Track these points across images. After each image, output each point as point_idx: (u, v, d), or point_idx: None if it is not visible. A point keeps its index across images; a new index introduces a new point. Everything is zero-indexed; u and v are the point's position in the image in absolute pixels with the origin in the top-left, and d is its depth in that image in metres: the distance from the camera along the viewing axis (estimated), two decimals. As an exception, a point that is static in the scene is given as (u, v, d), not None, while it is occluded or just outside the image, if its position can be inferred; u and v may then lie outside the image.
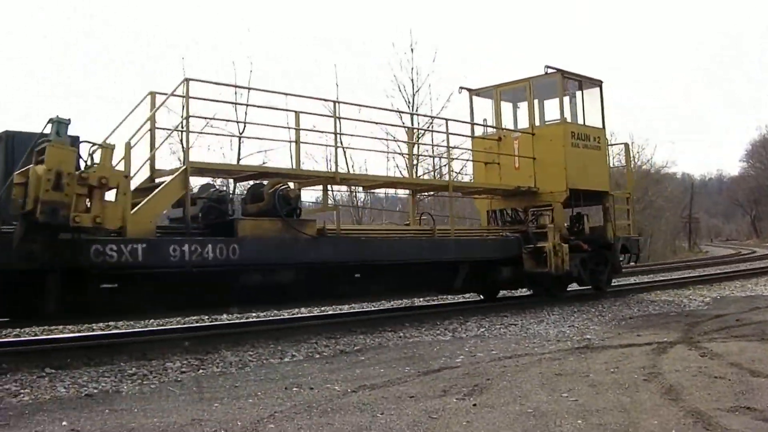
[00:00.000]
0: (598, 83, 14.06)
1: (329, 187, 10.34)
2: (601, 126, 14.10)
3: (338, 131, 10.07)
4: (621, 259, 14.22)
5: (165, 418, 4.79)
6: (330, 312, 12.00)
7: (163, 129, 9.37)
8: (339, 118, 10.36)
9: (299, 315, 11.56)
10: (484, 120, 14.21)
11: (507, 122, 14.19)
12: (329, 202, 10.49)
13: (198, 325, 10.39)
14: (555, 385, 5.56)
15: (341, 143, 10.71)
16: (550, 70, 13.06)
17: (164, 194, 8.16)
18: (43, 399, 5.55)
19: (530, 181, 13.22)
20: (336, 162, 10.18)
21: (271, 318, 11.14)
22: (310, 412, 4.94)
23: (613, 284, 14.79)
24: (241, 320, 10.87)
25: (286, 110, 10.30)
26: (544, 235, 12.24)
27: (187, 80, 8.48)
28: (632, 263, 15.62)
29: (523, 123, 13.85)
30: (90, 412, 5.02)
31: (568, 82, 13.45)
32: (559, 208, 13.09)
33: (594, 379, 5.70)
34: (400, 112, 17.50)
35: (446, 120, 13.04)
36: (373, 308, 12.48)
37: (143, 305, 8.36)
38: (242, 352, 7.76)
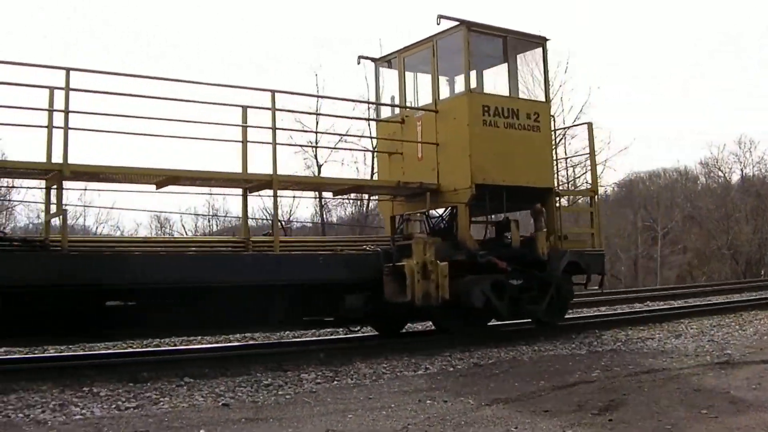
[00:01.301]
0: (538, 42, 10.42)
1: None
2: (543, 99, 10.36)
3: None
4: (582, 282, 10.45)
5: (300, 429, 4.97)
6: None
7: None
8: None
9: (429, 328, 11.26)
10: (392, 99, 10.87)
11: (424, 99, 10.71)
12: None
13: (333, 337, 10.54)
14: (693, 401, 5.54)
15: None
16: (448, 22, 9.56)
17: None
18: (181, 407, 5.72)
19: (433, 175, 9.77)
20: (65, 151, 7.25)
21: (405, 331, 11.07)
22: (444, 424, 5.03)
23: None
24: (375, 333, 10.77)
25: None
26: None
27: None
28: (600, 288, 11.53)
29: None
30: (226, 422, 5.19)
31: (482, 39, 9.87)
32: (464, 211, 9.56)
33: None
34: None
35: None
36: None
37: None
38: (376, 364, 7.84)
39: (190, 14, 54.94)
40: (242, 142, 8.64)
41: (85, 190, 14.12)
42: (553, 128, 10.60)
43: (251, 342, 10.15)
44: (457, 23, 9.67)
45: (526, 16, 63.85)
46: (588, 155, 11.12)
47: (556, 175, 10.66)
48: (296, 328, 10.09)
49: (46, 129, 7.35)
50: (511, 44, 10.24)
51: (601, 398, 5.72)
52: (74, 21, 50.36)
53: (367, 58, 11.10)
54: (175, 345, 9.76)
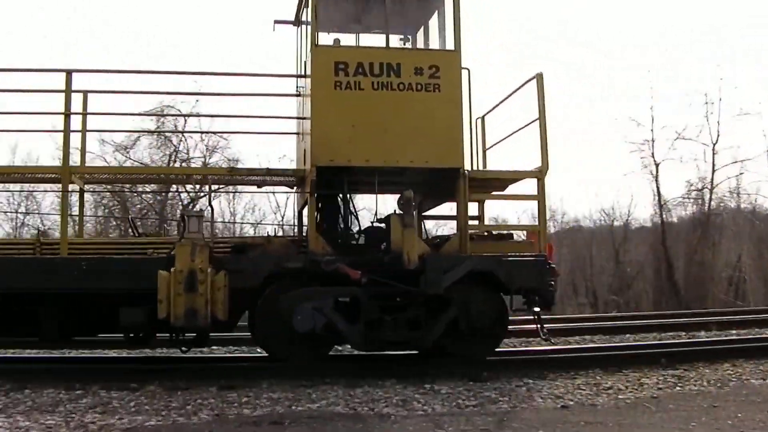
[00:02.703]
0: None
1: None
2: (451, 47, 7.67)
3: None
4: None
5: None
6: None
7: None
8: None
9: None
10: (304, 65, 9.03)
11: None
12: None
13: (675, 341, 9.98)
14: None
15: None
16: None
17: None
18: (520, 408, 5.78)
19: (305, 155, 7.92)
20: None
21: (751, 336, 10.40)
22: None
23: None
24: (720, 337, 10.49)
25: None
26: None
27: None
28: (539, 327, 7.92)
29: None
30: (564, 424, 5.17)
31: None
32: (309, 202, 7.43)
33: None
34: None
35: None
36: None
37: None
38: (721, 370, 7.42)
39: (190, 14, 54.97)
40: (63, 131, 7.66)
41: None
42: (467, 85, 7.67)
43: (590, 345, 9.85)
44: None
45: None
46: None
47: (470, 150, 7.68)
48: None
49: None
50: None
51: None
52: (74, 21, 53.47)
53: (283, 22, 9.26)
54: (515, 346, 9.79)
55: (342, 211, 7.87)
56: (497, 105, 8.58)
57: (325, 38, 8.00)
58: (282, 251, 7.54)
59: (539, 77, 7.74)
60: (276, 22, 9.29)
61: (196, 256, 6.75)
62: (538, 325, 8.02)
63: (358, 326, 7.12)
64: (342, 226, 7.93)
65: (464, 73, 7.71)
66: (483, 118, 8.89)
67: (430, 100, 7.48)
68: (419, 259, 7.14)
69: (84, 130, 8.62)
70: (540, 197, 7.61)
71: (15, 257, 7.49)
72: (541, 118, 7.67)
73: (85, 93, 8.34)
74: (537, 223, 7.68)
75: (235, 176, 7.97)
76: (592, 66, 53.09)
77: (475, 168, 8.29)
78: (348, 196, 8.15)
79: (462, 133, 7.54)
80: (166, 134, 22.04)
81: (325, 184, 7.53)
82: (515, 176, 7.90)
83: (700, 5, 54.22)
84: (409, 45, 8.70)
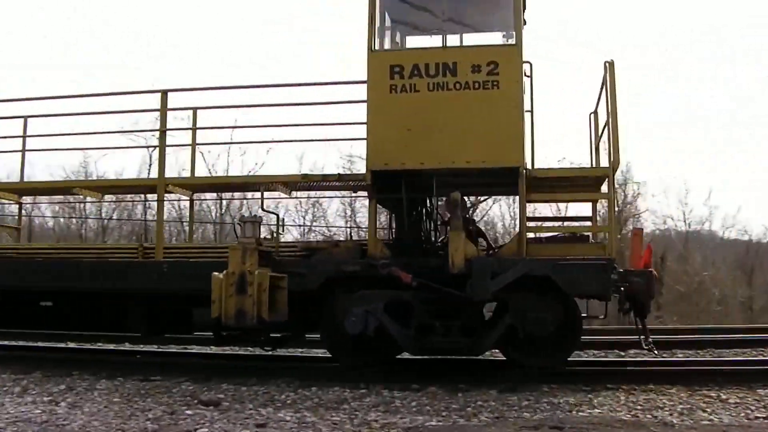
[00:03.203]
0: None
1: None
2: (508, 40, 7.47)
3: None
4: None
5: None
6: None
7: None
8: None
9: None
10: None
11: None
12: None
13: None
14: None
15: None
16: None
17: None
18: None
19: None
20: None
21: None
22: None
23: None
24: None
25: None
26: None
27: None
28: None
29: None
30: None
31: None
32: (370, 206, 7.63)
33: None
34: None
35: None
36: None
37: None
38: None
39: (190, 14, 51.43)
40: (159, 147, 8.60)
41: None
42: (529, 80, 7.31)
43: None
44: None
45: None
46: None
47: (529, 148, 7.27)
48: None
49: None
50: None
51: None
52: (74, 21, 51.92)
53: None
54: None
55: (408, 214, 7.82)
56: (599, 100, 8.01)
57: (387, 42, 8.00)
58: (343, 255, 7.71)
59: (609, 65, 7.16)
60: None
61: (247, 260, 7.13)
62: (642, 336, 7.50)
63: (411, 331, 7.10)
64: (409, 229, 7.90)
65: (526, 66, 7.35)
66: (596, 112, 8.38)
67: (488, 98, 7.24)
68: (465, 263, 6.93)
69: (193, 144, 9.42)
70: (609, 196, 7.02)
71: (107, 261, 8.41)
72: (613, 111, 7.08)
73: (195, 110, 9.16)
74: (607, 224, 7.10)
75: (309, 182, 8.25)
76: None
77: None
78: (428, 199, 8.14)
79: (522, 131, 7.19)
80: None
81: (390, 188, 7.58)
82: (583, 173, 7.37)
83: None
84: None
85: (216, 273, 7.16)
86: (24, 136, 9.14)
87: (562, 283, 6.82)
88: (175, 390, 6.77)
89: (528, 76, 7.91)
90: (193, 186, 8.78)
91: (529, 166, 7.29)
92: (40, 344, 10.32)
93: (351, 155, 20.10)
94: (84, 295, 8.26)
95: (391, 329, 7.10)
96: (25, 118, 9.18)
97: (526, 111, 8.70)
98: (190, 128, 9.13)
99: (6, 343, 10.33)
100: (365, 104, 7.51)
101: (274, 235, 7.98)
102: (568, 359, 7.74)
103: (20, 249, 9.09)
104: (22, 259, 8.71)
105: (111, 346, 9.93)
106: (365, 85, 7.52)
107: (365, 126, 7.50)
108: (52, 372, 7.64)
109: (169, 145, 8.59)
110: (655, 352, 8.22)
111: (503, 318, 7.01)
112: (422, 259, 7.26)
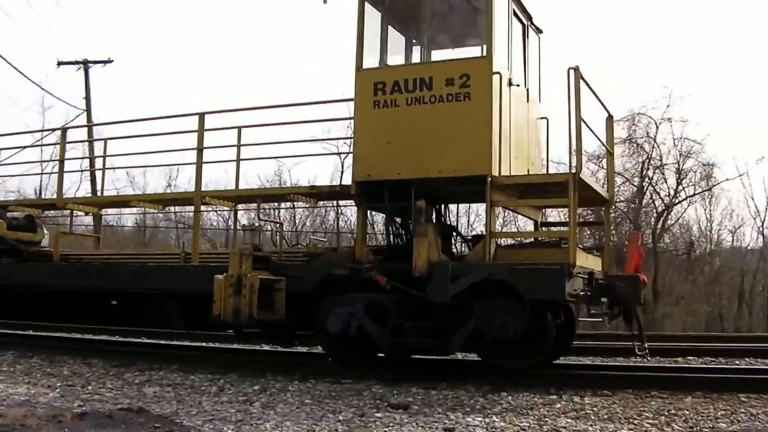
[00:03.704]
0: None
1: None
2: (480, 54, 7.88)
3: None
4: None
5: None
6: None
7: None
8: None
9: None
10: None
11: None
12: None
13: None
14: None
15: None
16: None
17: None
18: None
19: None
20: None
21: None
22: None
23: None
24: None
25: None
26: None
27: None
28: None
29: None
30: None
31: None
32: (358, 214, 8.34)
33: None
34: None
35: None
36: None
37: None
38: None
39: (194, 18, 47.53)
40: (196, 163, 9.81)
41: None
42: (498, 90, 7.54)
43: None
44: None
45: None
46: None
47: (498, 158, 7.46)
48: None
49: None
50: None
51: None
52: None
53: None
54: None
55: (391, 222, 8.34)
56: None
57: (372, 61, 8.49)
58: (338, 259, 8.38)
59: (575, 71, 7.24)
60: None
61: (243, 264, 8.03)
62: (636, 342, 7.63)
63: (386, 331, 7.64)
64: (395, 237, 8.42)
65: (496, 78, 7.58)
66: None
67: (460, 110, 7.60)
68: (427, 267, 7.34)
69: (238, 160, 10.48)
70: (569, 201, 7.11)
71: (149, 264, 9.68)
72: (577, 117, 7.18)
73: (239, 128, 10.21)
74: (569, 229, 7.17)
75: (317, 192, 9.00)
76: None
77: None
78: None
79: (491, 140, 7.45)
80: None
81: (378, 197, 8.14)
82: (545, 180, 7.48)
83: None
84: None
85: (218, 275, 8.13)
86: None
87: (519, 288, 7.04)
88: (365, 393, 6.97)
89: (516, 85, 8.17)
90: (223, 197, 9.83)
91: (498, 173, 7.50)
92: (235, 346, 10.95)
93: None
94: (137, 295, 9.61)
95: (369, 329, 7.69)
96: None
97: (542, 118, 8.98)
98: (235, 145, 10.15)
99: (203, 344, 11.20)
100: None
101: (277, 241, 8.84)
102: (553, 361, 7.88)
103: (97, 255, 10.70)
104: (96, 263, 10.26)
105: (303, 349, 10.39)
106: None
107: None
108: (248, 373, 8.16)
109: (206, 162, 9.69)
110: (648, 358, 8.12)
111: (468, 321, 7.35)
112: (398, 264, 7.75)
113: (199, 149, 9.56)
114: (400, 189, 7.97)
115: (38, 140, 10.72)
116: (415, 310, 7.56)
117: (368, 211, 8.66)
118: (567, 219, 7.93)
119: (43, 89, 20.53)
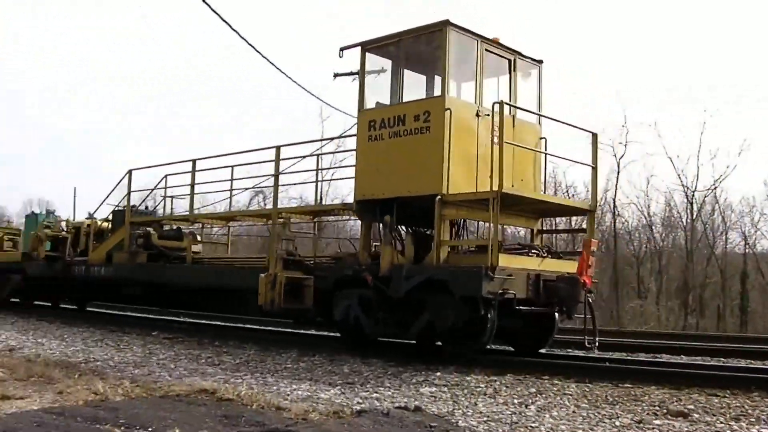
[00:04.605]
0: (434, 30, 9.73)
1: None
2: (437, 93, 9.73)
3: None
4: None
5: None
6: None
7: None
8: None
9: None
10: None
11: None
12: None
13: None
14: None
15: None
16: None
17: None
18: None
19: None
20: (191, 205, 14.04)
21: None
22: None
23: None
24: None
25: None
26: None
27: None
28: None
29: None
30: None
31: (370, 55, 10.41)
32: (362, 225, 10.60)
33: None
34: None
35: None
36: None
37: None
38: None
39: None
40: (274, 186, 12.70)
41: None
42: (449, 123, 9.21)
43: None
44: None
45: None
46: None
47: (446, 179, 9.10)
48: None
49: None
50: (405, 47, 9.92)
51: None
52: None
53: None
54: None
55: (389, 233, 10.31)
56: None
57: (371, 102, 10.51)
58: (350, 263, 10.56)
59: (500, 105, 8.74)
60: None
61: (277, 265, 10.59)
62: (586, 336, 9.20)
63: (371, 320, 9.72)
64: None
65: (447, 113, 9.22)
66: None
67: (422, 141, 9.44)
68: (389, 268, 9.29)
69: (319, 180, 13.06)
70: (491, 215, 8.58)
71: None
72: (500, 143, 8.65)
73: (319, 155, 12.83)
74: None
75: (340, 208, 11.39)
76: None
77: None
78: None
79: (442, 164, 9.16)
80: None
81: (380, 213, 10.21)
82: (475, 197, 8.92)
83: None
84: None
85: (261, 274, 10.79)
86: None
87: (452, 287, 8.73)
88: (645, 398, 6.81)
89: (487, 115, 9.69)
90: (290, 213, 12.48)
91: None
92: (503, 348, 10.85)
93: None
94: (227, 289, 12.73)
95: (360, 318, 9.82)
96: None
97: (541, 138, 10.41)
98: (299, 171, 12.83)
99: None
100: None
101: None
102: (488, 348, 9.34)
103: (213, 258, 14.12)
104: (218, 265, 13.57)
105: (580, 353, 10.13)
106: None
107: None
108: (523, 375, 8.16)
109: (282, 184, 12.42)
110: (596, 352, 9.16)
111: (423, 314, 9.16)
112: (374, 266, 9.76)
113: (276, 175, 12.33)
114: (387, 206, 9.94)
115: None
116: (386, 304, 9.53)
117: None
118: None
119: (321, 100, 23.99)
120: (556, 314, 9.66)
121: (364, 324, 9.88)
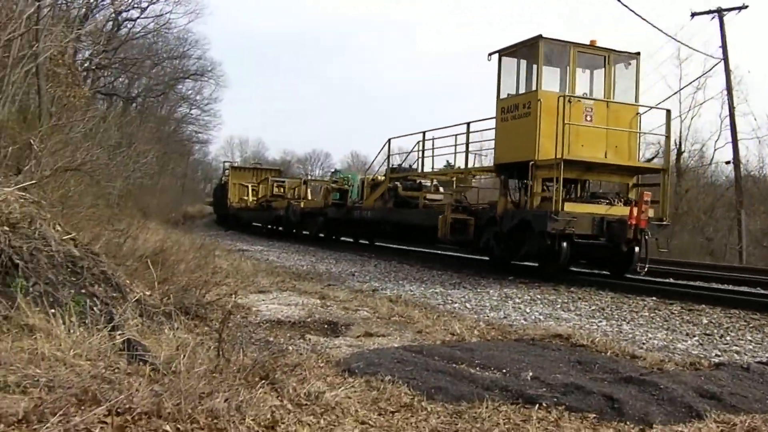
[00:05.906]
0: (532, 42, 13.87)
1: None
2: (534, 88, 13.91)
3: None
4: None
5: None
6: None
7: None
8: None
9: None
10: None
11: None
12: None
13: None
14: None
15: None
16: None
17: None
18: None
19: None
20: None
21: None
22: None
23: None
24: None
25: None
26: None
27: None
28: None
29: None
30: None
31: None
32: (501, 182, 15.23)
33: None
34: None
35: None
36: None
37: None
38: None
39: None
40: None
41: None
42: (539, 110, 13.25)
43: None
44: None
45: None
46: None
47: (537, 149, 13.14)
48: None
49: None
50: (521, 54, 14.13)
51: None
52: None
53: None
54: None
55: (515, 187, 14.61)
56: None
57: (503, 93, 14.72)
58: (490, 209, 15.09)
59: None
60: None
61: (448, 209, 15.63)
62: (638, 264, 12.96)
63: (500, 247, 14.35)
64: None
65: (538, 103, 13.22)
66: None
67: (526, 123, 13.69)
68: (501, 213, 13.78)
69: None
70: (555, 174, 12.56)
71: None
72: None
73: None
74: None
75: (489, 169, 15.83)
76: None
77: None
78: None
79: (535, 139, 13.25)
80: None
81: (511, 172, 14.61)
82: (551, 162, 12.77)
83: None
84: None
85: (440, 216, 15.89)
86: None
87: (533, 225, 13.02)
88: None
89: (579, 101, 13.47)
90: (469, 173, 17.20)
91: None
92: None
93: None
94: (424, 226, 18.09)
95: (493, 245, 14.48)
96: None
97: (637, 114, 14.03)
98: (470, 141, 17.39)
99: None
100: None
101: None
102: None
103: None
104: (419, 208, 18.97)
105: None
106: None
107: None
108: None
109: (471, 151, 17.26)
110: (642, 274, 12.56)
111: (525, 244, 13.51)
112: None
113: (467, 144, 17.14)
114: (511, 168, 14.24)
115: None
116: (504, 237, 14.04)
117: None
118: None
119: (677, 41, 25.96)
120: (636, 248, 13.14)
121: (494, 249, 14.51)
